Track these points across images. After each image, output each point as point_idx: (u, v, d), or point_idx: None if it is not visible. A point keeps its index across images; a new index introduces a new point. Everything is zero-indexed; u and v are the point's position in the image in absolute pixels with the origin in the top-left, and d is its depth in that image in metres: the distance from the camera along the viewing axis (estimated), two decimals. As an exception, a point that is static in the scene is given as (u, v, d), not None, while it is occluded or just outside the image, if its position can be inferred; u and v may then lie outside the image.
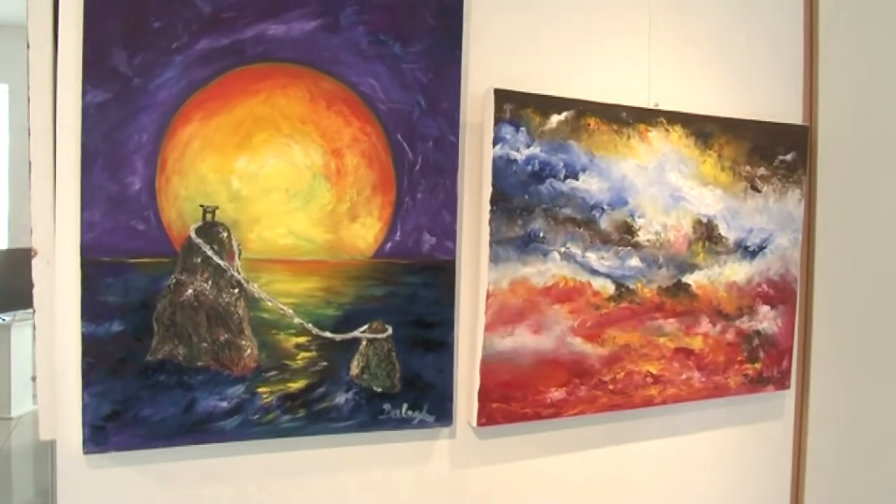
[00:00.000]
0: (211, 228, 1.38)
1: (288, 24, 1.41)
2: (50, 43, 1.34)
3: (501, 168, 1.57)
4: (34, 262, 1.37)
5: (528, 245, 1.62)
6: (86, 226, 1.30)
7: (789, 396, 2.13)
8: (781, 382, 2.04)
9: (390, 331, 1.52)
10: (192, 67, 1.35)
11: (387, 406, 1.53)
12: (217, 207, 1.38)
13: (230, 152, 1.38)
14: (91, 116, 1.29)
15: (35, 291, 1.38)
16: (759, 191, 1.93)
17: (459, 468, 1.67)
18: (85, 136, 1.29)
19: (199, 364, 1.38)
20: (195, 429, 1.38)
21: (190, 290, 1.37)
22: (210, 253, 1.37)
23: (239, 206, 1.39)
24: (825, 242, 2.10)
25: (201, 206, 1.37)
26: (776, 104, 2.03)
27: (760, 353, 1.99)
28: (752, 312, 1.96)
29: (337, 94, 1.46)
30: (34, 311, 1.38)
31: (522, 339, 1.64)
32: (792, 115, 2.07)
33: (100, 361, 1.31)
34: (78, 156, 1.30)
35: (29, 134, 1.35)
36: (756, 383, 1.99)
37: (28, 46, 1.35)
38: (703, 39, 1.93)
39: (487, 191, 1.57)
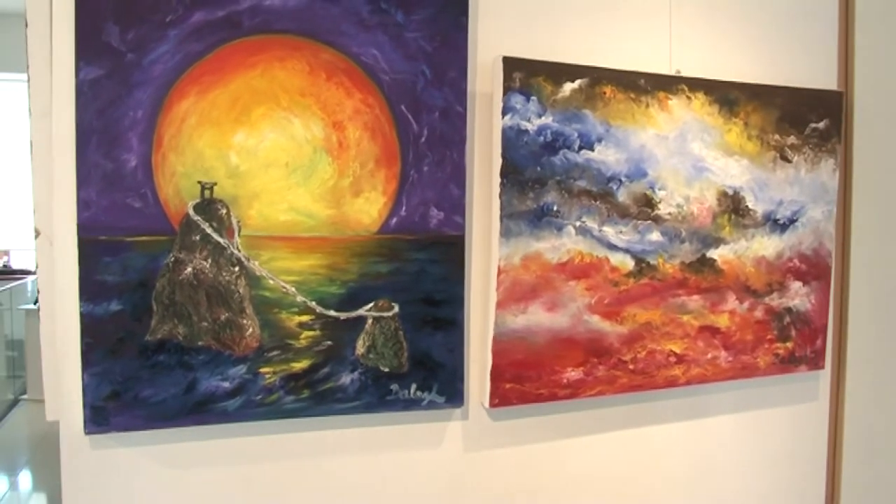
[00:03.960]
0: (209, 205, 1.35)
1: (285, -7, 1.37)
2: (48, 21, 1.32)
3: (512, 139, 1.51)
4: (37, 242, 1.36)
5: (541, 219, 1.56)
6: (82, 204, 1.28)
7: (824, 377, 2.03)
8: (815, 362, 1.94)
9: (397, 309, 1.47)
10: (187, 41, 1.31)
11: (394, 386, 1.49)
12: (215, 183, 1.34)
13: (228, 127, 1.34)
14: (85, 94, 1.27)
15: (38, 273, 1.37)
16: (789, 161, 1.83)
17: (472, 451, 1.62)
18: (79, 114, 1.27)
19: (200, 344, 1.35)
20: (197, 410, 1.35)
21: (189, 269, 1.34)
22: (209, 230, 1.34)
23: (238, 181, 1.36)
24: (862, 215, 1.99)
25: (199, 182, 1.34)
26: (807, 69, 1.92)
27: (792, 331, 1.89)
28: (783, 289, 1.87)
29: (337, 66, 1.41)
30: (38, 293, 1.37)
31: (536, 317, 1.57)
32: (824, 80, 1.95)
33: (99, 341, 1.29)
34: (73, 134, 1.27)
35: (30, 114, 1.34)
36: (788, 363, 1.90)
37: (26, 25, 1.33)
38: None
39: (497, 163, 1.51)
